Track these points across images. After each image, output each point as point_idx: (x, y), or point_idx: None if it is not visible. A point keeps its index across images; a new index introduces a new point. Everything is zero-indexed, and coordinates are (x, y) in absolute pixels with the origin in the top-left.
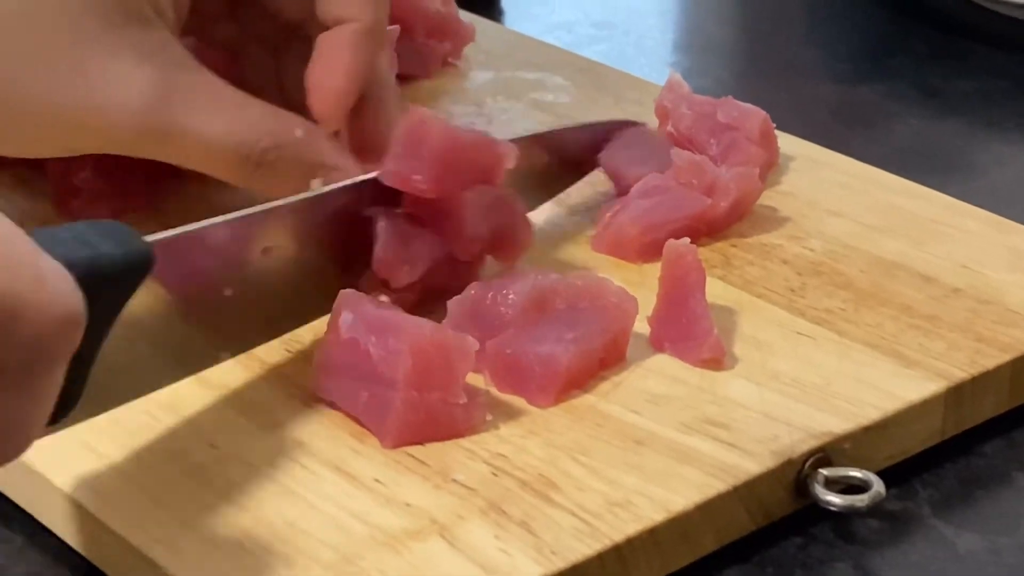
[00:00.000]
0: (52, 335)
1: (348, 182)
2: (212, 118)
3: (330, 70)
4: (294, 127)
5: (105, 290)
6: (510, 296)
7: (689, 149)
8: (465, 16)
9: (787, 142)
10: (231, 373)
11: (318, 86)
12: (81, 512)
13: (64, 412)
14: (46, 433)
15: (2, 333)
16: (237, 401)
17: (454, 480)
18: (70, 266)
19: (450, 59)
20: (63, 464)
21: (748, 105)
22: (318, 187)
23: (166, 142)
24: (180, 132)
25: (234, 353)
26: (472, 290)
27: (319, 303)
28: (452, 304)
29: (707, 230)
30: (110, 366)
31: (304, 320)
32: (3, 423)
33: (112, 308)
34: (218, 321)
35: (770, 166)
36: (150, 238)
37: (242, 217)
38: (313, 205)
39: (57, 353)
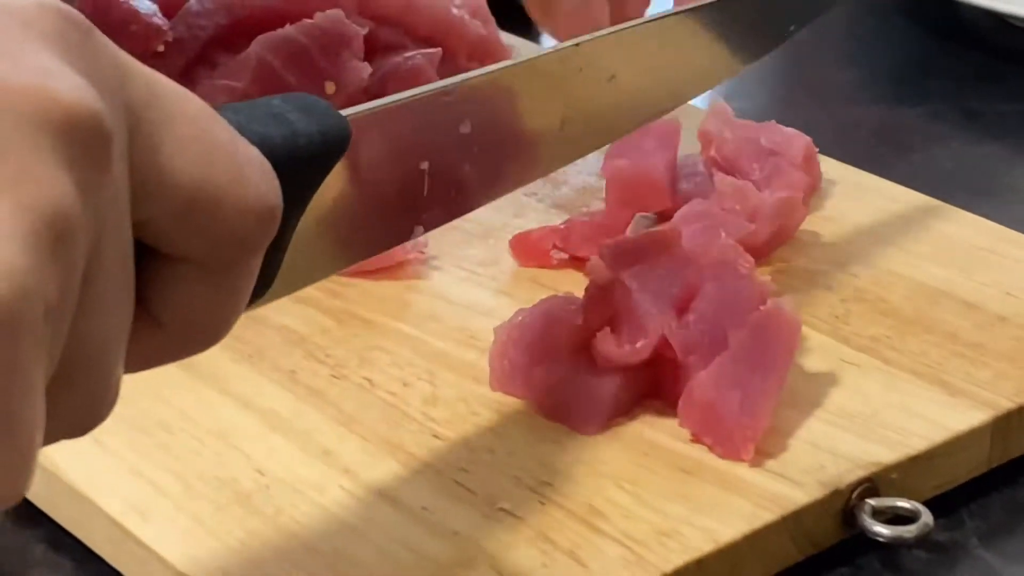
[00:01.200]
0: (250, 228)
1: None
2: None
3: None
4: None
5: (302, 169)
6: (557, 323)
7: (732, 174)
8: (506, 38)
9: (829, 166)
10: (276, 399)
11: None
12: (129, 538)
13: (260, 294)
14: (252, 307)
15: (200, 225)
16: (283, 427)
17: (501, 508)
18: (268, 146)
19: None
20: (112, 489)
21: (791, 130)
22: None
23: None
24: None
25: (428, 228)
26: (519, 316)
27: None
28: (499, 331)
29: (751, 256)
30: (303, 246)
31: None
32: (203, 312)
33: (308, 187)
34: (413, 196)
35: (813, 190)
36: (347, 112)
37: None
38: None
39: (254, 245)
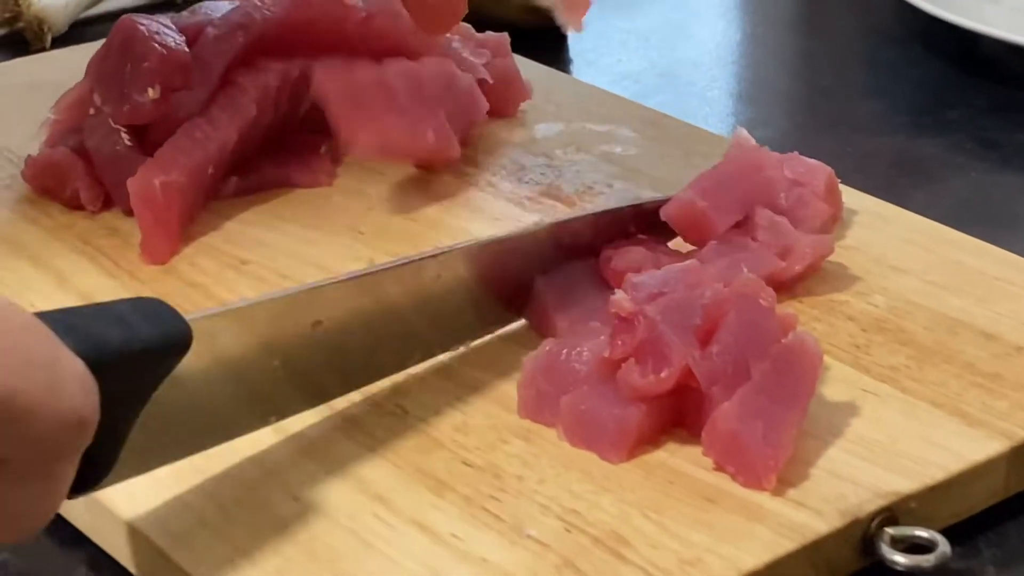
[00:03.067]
0: (61, 436)
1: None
2: None
3: None
4: None
5: (140, 367)
6: (584, 353)
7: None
8: (532, 67)
9: (850, 195)
10: (311, 425)
11: None
12: (170, 564)
13: (99, 479)
14: (88, 494)
15: (12, 431)
16: (317, 453)
17: (528, 535)
18: (104, 348)
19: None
20: (152, 513)
21: (813, 161)
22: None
23: None
24: None
25: (281, 418)
26: (547, 346)
27: (369, 374)
28: (528, 360)
29: (775, 288)
30: (154, 429)
31: (352, 388)
32: (16, 509)
33: (147, 385)
34: (267, 390)
35: (836, 221)
36: (191, 316)
37: (290, 295)
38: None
39: (66, 451)
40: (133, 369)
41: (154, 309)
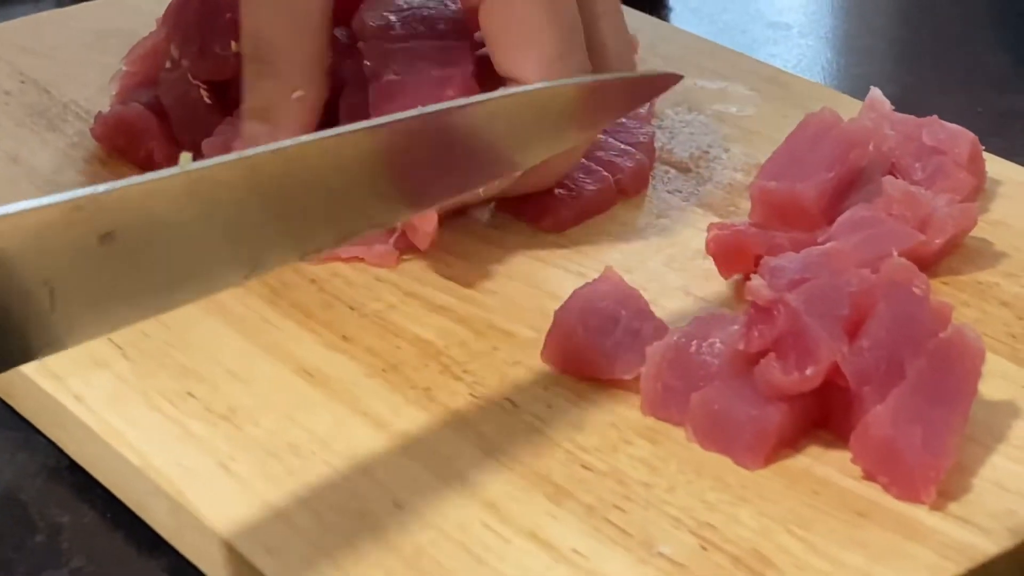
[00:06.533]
0: None
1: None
2: None
3: None
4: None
5: None
6: (716, 345)
7: (891, 173)
8: (636, 17)
9: (991, 163)
10: (412, 420)
11: None
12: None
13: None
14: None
15: None
16: (421, 452)
17: (660, 553)
18: None
19: None
20: (239, 520)
21: (955, 126)
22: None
23: None
24: None
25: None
26: (674, 336)
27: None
28: (651, 351)
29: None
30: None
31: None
32: None
33: None
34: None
35: (978, 192)
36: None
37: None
38: None
39: None
40: None
41: None
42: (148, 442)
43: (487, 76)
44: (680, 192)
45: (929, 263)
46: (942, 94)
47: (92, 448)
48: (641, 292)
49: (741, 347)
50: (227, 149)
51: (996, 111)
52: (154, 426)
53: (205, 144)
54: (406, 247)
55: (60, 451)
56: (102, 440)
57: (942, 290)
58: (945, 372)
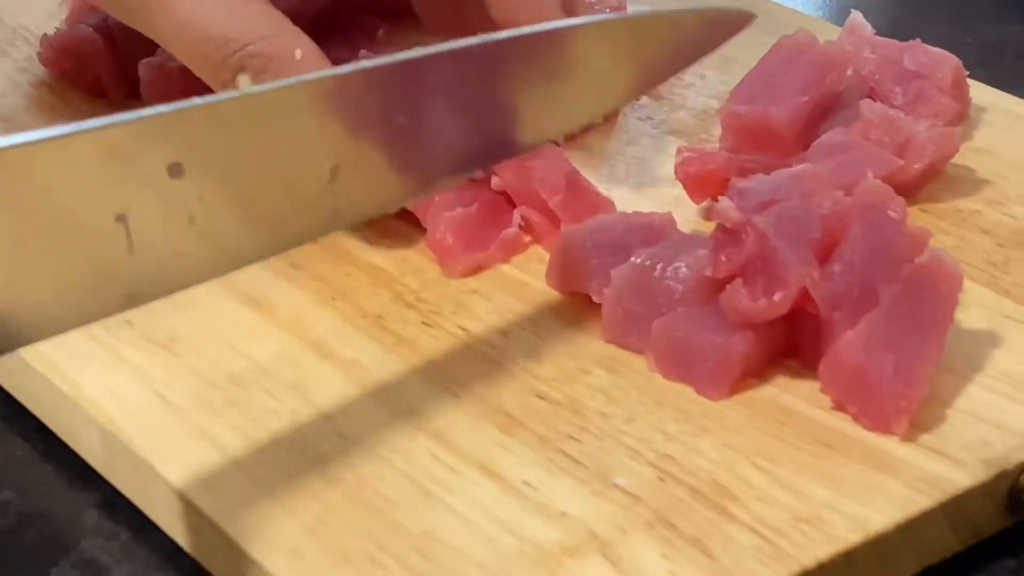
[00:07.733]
0: None
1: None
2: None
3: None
4: (296, 46)
5: None
6: (681, 269)
7: (870, 97)
8: None
9: (976, 90)
10: (361, 348)
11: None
12: (191, 509)
13: None
14: None
15: None
16: (368, 382)
17: (615, 485)
18: None
19: None
20: (174, 452)
21: (938, 50)
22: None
23: (145, 8)
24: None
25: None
26: (637, 258)
27: None
28: (615, 274)
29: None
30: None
31: None
32: None
33: None
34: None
35: (962, 119)
36: None
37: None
38: None
39: None
40: None
41: None
42: (80, 370)
43: None
44: (652, 119)
45: (908, 189)
46: (931, 24)
47: (21, 376)
48: None
49: (708, 272)
50: (164, 69)
51: (985, 42)
52: (87, 353)
53: (142, 65)
54: None
55: None
56: (31, 367)
57: (921, 217)
58: (920, 299)
